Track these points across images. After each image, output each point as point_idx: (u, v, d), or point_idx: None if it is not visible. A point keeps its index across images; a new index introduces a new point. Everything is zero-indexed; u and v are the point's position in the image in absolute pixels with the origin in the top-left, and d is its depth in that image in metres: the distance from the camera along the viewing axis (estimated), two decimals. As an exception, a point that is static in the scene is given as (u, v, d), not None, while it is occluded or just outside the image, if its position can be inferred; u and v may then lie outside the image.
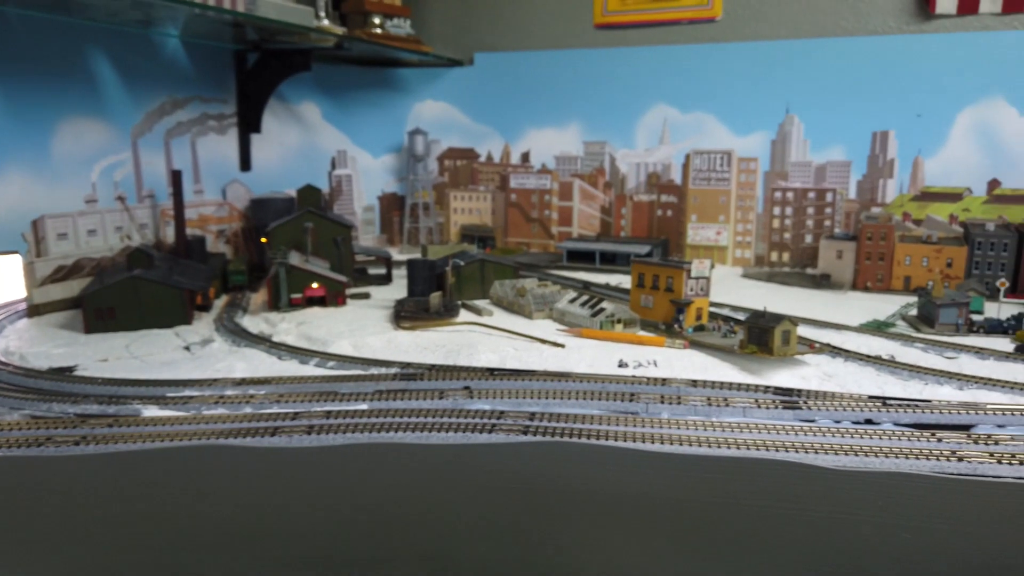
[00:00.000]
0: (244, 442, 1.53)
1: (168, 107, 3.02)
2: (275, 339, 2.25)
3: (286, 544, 1.52)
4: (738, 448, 1.51)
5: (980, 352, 2.10)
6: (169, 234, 2.99)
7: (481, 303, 2.66)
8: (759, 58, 3.31)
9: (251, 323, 2.45)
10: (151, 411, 1.71)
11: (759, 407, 1.71)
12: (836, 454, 1.48)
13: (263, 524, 1.52)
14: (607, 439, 1.55)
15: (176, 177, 2.85)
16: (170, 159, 3.04)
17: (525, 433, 1.57)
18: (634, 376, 1.89)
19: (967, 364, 2.02)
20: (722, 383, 1.84)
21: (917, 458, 1.46)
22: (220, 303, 2.75)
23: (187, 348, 2.21)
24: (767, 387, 1.81)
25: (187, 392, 1.81)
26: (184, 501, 1.51)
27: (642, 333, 2.26)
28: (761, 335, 1.96)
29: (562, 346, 2.12)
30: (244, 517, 1.52)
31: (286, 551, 1.52)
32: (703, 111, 3.47)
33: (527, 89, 3.72)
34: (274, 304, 2.58)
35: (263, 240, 2.98)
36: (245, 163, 3.43)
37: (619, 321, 2.27)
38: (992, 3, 2.97)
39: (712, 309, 2.51)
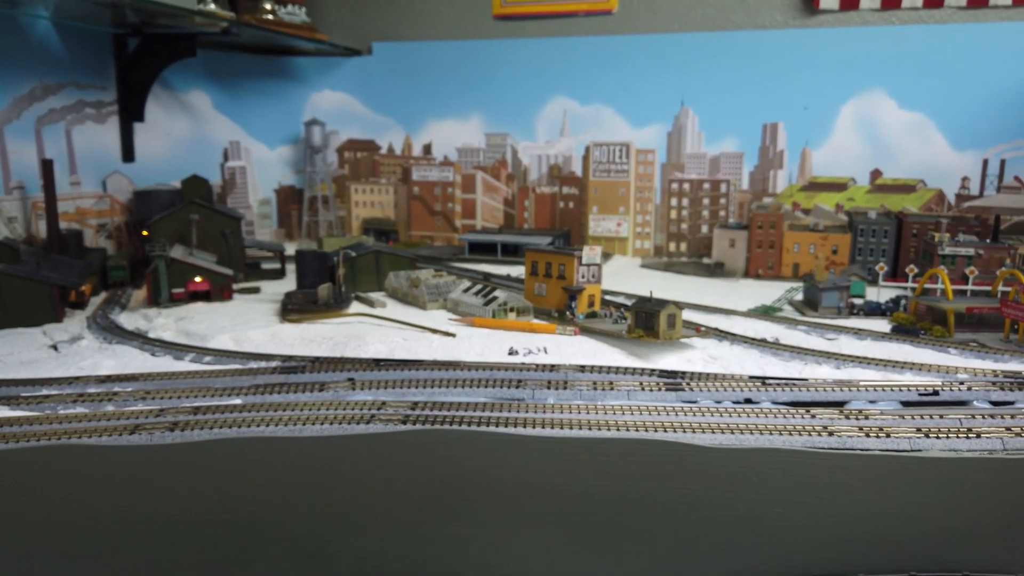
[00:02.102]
0: (100, 441, 1.43)
1: (39, 93, 2.83)
2: (151, 335, 2.14)
3: (147, 547, 1.43)
4: (619, 430, 1.50)
5: (859, 333, 2.17)
6: (42, 228, 2.80)
7: (376, 295, 2.60)
8: (654, 51, 3.35)
9: (127, 319, 2.32)
10: (1, 412, 1.58)
11: (643, 390, 1.72)
12: (713, 433, 1.49)
13: (122, 527, 1.42)
14: (489, 425, 1.52)
15: (47, 167, 2.67)
16: (41, 148, 2.85)
17: (404, 423, 1.52)
18: (523, 363, 1.87)
19: (846, 345, 2.08)
20: (609, 367, 1.84)
21: (791, 434, 1.49)
22: (98, 300, 2.60)
23: (54, 347, 2.08)
24: (652, 370, 1.82)
25: (44, 391, 1.69)
26: (31, 506, 1.40)
27: (535, 321, 2.25)
28: (647, 319, 1.96)
29: (453, 335, 2.08)
30: (101, 521, 1.42)
31: (147, 554, 1.42)
32: (601, 103, 3.49)
33: (427, 80, 3.66)
34: (154, 299, 2.45)
35: (144, 233, 2.83)
36: (128, 154, 3.25)
37: (512, 309, 2.25)
38: None
39: (609, 298, 2.52)
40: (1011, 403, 1.65)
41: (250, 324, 2.22)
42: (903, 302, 2.40)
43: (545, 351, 1.97)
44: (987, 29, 3.00)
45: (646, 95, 3.41)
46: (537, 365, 1.85)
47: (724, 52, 3.27)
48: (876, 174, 3.24)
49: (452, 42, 3.59)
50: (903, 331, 2.19)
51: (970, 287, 2.44)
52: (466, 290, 2.38)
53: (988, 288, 2.39)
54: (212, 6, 3.00)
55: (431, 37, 3.61)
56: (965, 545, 1.38)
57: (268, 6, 3.29)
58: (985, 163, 3.09)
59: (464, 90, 3.64)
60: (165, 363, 1.93)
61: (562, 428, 1.51)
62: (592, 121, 3.51)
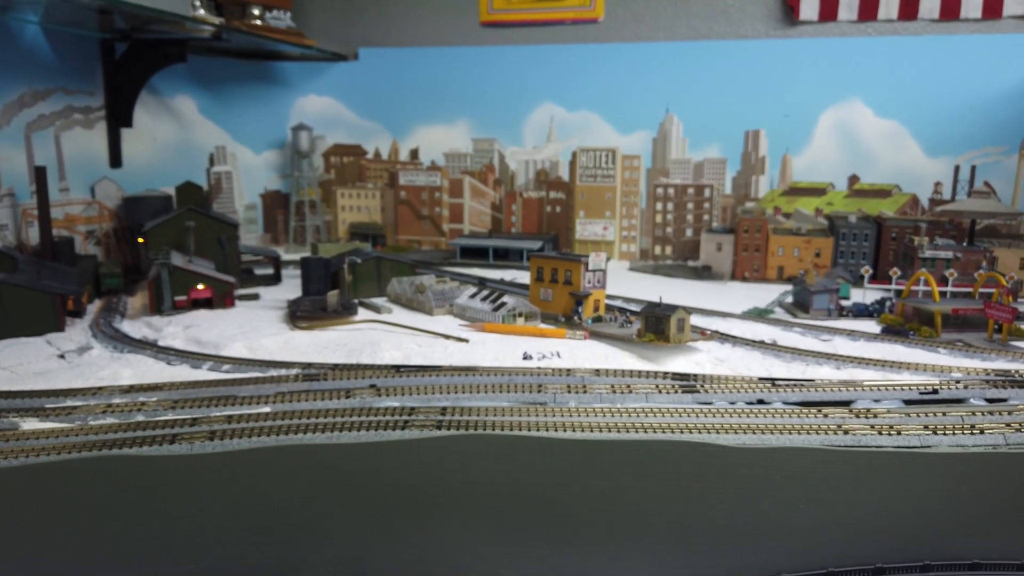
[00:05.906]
0: (141, 451, 1.44)
1: (28, 99, 2.79)
2: (161, 343, 2.14)
3: (192, 554, 1.44)
4: (644, 432, 1.56)
5: (851, 334, 2.27)
6: (32, 235, 2.77)
7: (379, 301, 2.62)
8: (639, 59, 3.43)
9: (132, 328, 2.31)
10: (30, 424, 1.58)
11: (660, 392, 1.78)
12: (735, 433, 1.56)
13: (165, 535, 1.44)
14: (519, 429, 1.57)
15: (40, 174, 2.64)
16: (31, 155, 2.81)
17: (438, 428, 1.56)
18: (539, 368, 1.92)
19: (841, 345, 2.17)
20: (623, 371, 1.90)
21: (808, 433, 1.56)
22: (94, 308, 2.58)
23: (62, 356, 2.06)
24: (666, 373, 1.89)
25: (69, 402, 1.69)
26: (76, 517, 1.41)
27: (543, 326, 2.30)
28: (658, 323, 2.03)
29: (467, 341, 2.12)
30: (144, 530, 1.43)
31: (192, 561, 1.44)
32: (588, 110, 3.56)
33: (414, 85, 3.69)
34: (156, 307, 2.44)
35: (140, 240, 2.81)
36: (115, 159, 3.22)
37: (521, 315, 2.30)
38: (849, 11, 3.20)
39: (607, 301, 2.58)
40: (1005, 400, 1.75)
41: (260, 332, 2.23)
42: (888, 303, 2.51)
43: (558, 355, 2.02)
44: (958, 41, 3.13)
45: (632, 102, 3.49)
46: (553, 369, 1.91)
47: (708, 61, 3.36)
48: (854, 179, 3.37)
49: (439, 48, 3.62)
50: (892, 332, 2.29)
51: (950, 288, 2.57)
52: (473, 296, 2.43)
53: (966, 289, 2.52)
54: (201, 12, 2.99)
55: (418, 43, 3.64)
56: (975, 535, 1.48)
57: (256, 11, 3.29)
58: (956, 169, 3.23)
59: (451, 96, 3.67)
60: (183, 372, 1.93)
61: (591, 431, 1.57)
62: (579, 127, 3.58)
